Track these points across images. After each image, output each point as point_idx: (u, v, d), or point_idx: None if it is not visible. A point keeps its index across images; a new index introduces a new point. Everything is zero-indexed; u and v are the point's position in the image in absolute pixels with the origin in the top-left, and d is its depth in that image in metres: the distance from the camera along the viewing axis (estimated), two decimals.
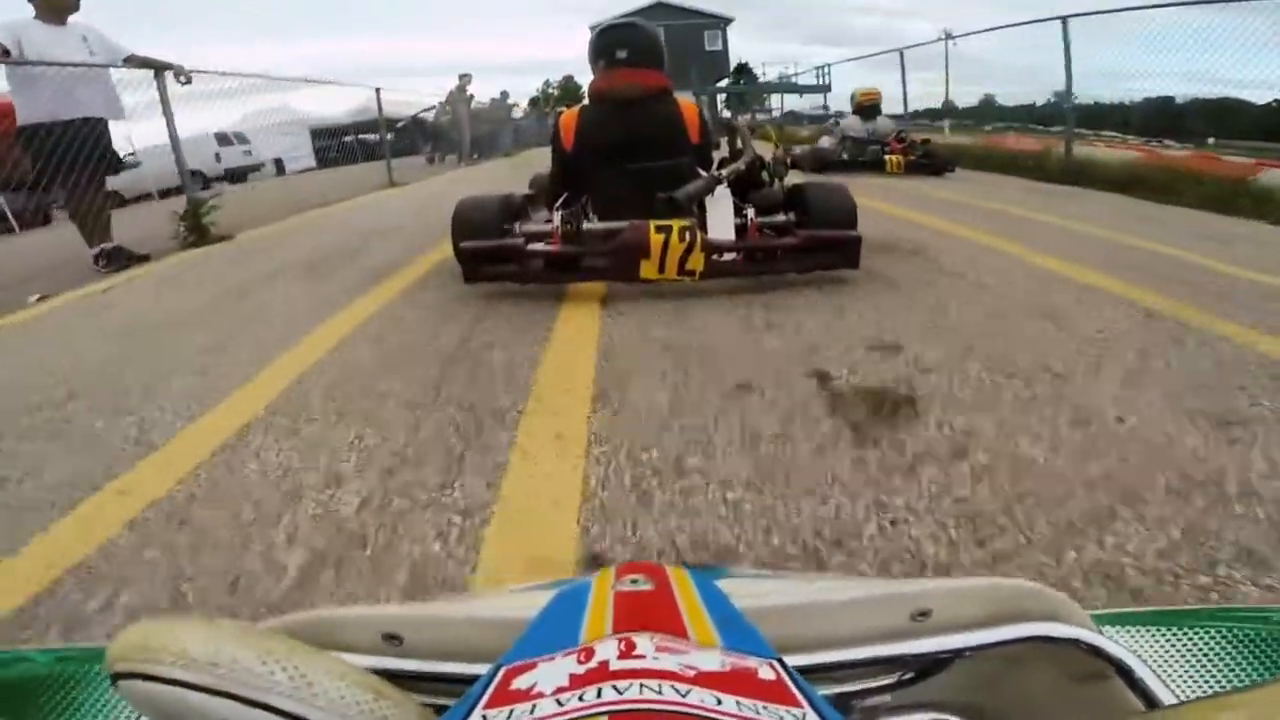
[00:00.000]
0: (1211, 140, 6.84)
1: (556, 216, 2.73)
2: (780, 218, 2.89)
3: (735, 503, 1.27)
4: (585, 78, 3.14)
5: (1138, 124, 7.86)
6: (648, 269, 2.54)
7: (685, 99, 2.93)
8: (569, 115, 2.86)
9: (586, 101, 2.95)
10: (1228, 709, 0.19)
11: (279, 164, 12.69)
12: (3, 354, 2.55)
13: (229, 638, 0.23)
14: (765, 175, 2.97)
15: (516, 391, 1.83)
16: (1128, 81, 6.99)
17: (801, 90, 21.95)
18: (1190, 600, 1.00)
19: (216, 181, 11.47)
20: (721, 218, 2.68)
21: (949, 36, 8.78)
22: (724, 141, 3.28)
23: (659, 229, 2.48)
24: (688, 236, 2.48)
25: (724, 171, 2.72)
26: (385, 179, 8.79)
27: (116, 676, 0.23)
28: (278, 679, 0.23)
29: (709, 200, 2.66)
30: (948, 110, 11.28)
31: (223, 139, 12.57)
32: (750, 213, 2.78)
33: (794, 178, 3.29)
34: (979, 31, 7.94)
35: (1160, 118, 7.53)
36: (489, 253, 2.66)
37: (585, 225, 2.73)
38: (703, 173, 2.91)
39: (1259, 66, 5.05)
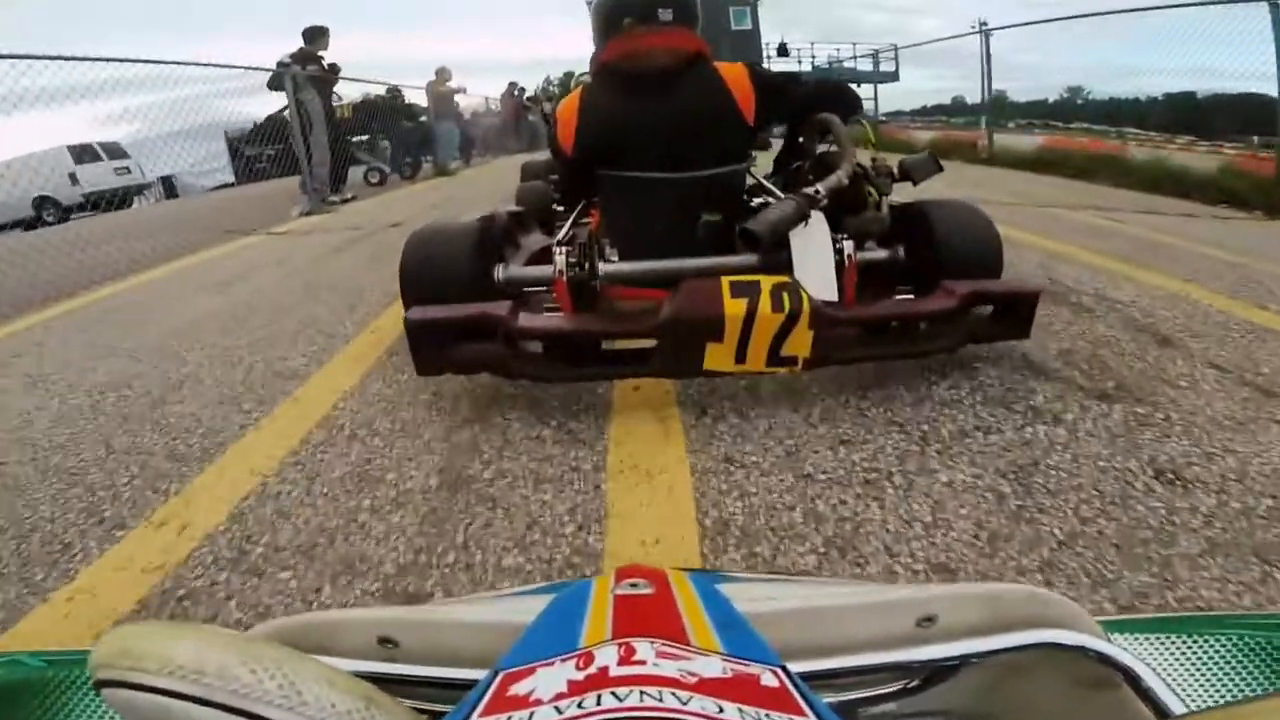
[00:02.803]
0: (1256, 139, 6.64)
1: (560, 255, 1.81)
2: (881, 254, 1.99)
3: None
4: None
5: (1156, 120, 7.75)
6: (718, 357, 1.54)
7: (726, 63, 1.94)
8: (568, 102, 1.90)
9: (591, 80, 2.01)
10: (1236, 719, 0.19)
11: (167, 183, 9.20)
12: None
13: (216, 645, 0.23)
14: (868, 190, 1.89)
15: None
16: (1144, 78, 6.86)
17: (861, 80, 19.68)
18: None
19: (76, 211, 7.99)
20: (818, 263, 1.71)
21: (983, 28, 8.52)
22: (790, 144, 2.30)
23: (738, 288, 1.50)
24: (787, 301, 1.49)
25: (821, 188, 1.70)
26: None
27: (100, 684, 0.23)
28: (266, 687, 0.22)
29: (797, 234, 1.70)
30: (958, 106, 11.14)
31: (83, 153, 9.42)
32: (848, 247, 1.79)
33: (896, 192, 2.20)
34: (1015, 25, 7.63)
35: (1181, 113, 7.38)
36: (459, 325, 1.57)
37: (603, 267, 1.86)
38: (764, 182, 2.12)
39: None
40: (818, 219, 1.73)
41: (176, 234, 4.76)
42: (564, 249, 1.82)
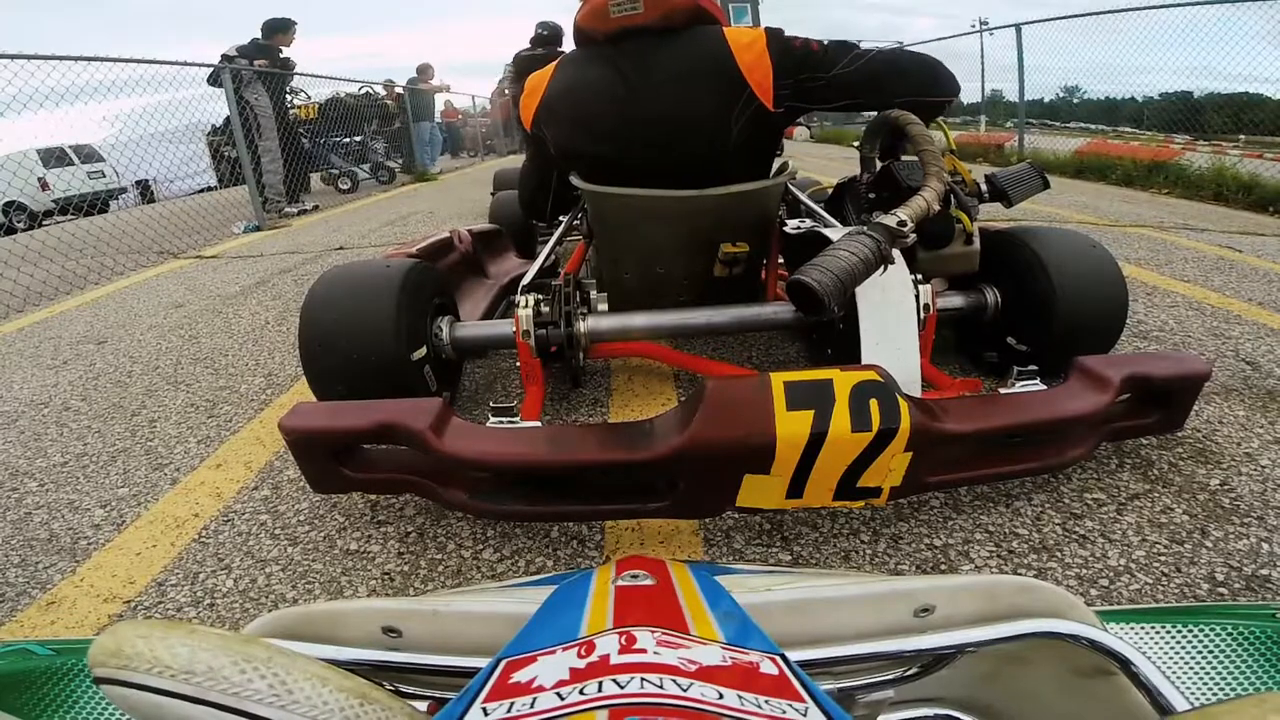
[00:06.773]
0: (1242, 138, 6.48)
1: (525, 308, 1.34)
2: (957, 299, 1.54)
3: None
4: None
5: (1153, 119, 7.76)
6: (758, 492, 0.98)
7: (741, 28, 1.45)
8: (536, 80, 1.46)
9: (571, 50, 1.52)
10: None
11: (144, 188, 8.53)
12: None
13: (207, 645, 0.23)
14: (954, 214, 1.40)
15: None
16: (1136, 76, 6.84)
17: None
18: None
19: (45, 218, 7.79)
20: (897, 334, 1.22)
21: (983, 27, 8.42)
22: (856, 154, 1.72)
23: (799, 394, 0.93)
24: (876, 415, 0.92)
25: (905, 216, 1.14)
26: None
27: (98, 680, 0.23)
28: (256, 686, 0.22)
29: (868, 287, 1.17)
30: (954, 105, 11.12)
31: (54, 157, 9.09)
32: (925, 293, 1.30)
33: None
34: (1007, 25, 7.56)
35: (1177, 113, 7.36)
36: (355, 439, 1.03)
37: (588, 322, 1.42)
38: (805, 198, 1.66)
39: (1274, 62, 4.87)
40: (898, 266, 1.22)
41: (96, 255, 3.82)
42: (530, 298, 1.34)
